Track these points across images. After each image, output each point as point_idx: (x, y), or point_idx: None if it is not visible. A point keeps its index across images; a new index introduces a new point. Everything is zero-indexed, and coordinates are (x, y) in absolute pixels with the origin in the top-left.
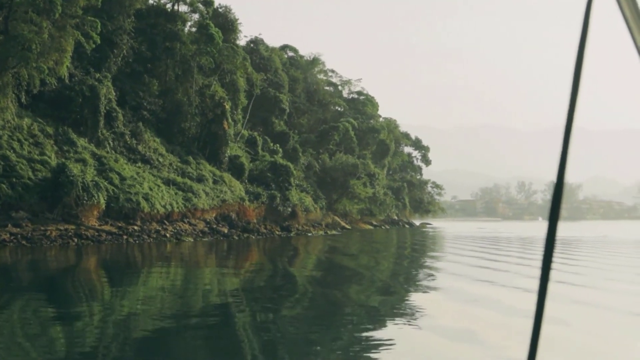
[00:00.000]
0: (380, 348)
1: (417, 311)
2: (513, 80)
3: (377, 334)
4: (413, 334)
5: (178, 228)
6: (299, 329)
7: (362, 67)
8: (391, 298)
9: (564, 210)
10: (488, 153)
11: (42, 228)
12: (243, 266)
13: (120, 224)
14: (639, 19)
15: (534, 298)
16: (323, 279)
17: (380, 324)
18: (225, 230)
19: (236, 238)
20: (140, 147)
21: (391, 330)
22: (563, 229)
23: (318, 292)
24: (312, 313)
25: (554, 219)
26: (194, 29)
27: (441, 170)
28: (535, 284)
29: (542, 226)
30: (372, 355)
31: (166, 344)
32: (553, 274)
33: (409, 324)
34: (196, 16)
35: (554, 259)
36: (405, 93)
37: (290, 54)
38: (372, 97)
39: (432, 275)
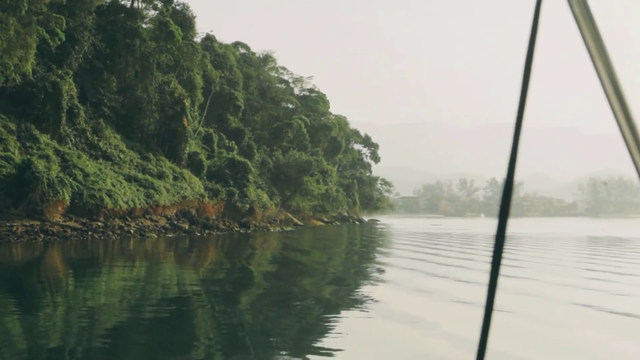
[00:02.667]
0: (334, 334)
1: (368, 301)
2: (452, 78)
3: (330, 322)
4: (365, 321)
5: (140, 224)
6: (256, 319)
7: (307, 65)
8: (343, 290)
9: None
10: (429, 150)
11: (8, 224)
12: (205, 261)
13: (84, 220)
14: (589, 17)
15: (480, 290)
16: (279, 273)
17: (333, 313)
18: (187, 227)
19: (198, 234)
20: (101, 144)
21: (344, 318)
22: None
23: (274, 285)
24: (268, 304)
25: (503, 215)
26: (152, 26)
27: (384, 167)
28: (480, 278)
29: (485, 223)
30: (327, 340)
31: (126, 335)
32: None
33: (361, 312)
34: (155, 13)
35: (504, 255)
36: (348, 90)
37: (243, 50)
38: (324, 95)
39: (382, 269)
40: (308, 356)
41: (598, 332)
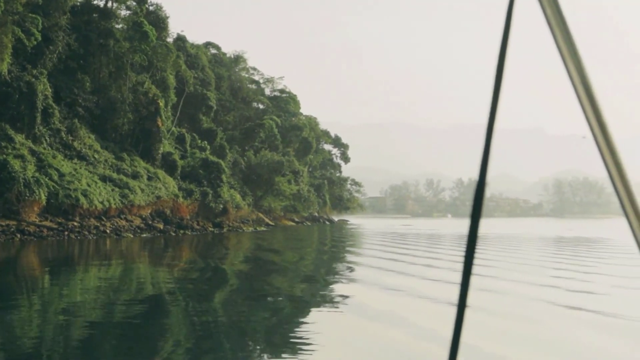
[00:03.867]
0: (306, 329)
1: (338, 298)
2: (417, 79)
3: (302, 319)
4: (336, 317)
5: (116, 224)
6: (229, 316)
7: (274, 65)
8: (314, 288)
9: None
10: (395, 150)
11: None
12: (180, 261)
13: (59, 220)
14: (560, 18)
15: (447, 287)
16: (252, 272)
17: (304, 310)
18: (161, 227)
19: (173, 234)
20: (75, 144)
21: (315, 314)
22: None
23: (247, 284)
24: (241, 302)
25: (476, 215)
26: (125, 27)
27: (350, 167)
28: (448, 276)
29: (453, 223)
30: (299, 335)
31: (99, 333)
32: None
33: (332, 309)
34: (128, 13)
35: (475, 255)
36: (313, 90)
37: (214, 51)
38: (295, 95)
39: (352, 268)
40: (280, 351)
41: (568, 328)
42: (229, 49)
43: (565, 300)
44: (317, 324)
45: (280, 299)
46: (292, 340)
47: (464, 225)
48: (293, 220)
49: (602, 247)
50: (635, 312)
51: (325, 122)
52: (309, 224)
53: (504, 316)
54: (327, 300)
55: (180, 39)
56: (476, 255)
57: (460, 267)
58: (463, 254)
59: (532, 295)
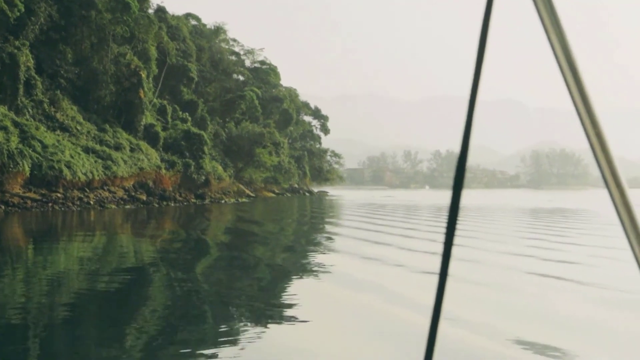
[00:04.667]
0: (287, 298)
1: (318, 268)
2: (394, 51)
3: (283, 287)
4: (317, 286)
5: (99, 195)
6: (211, 284)
7: (250, 37)
8: (294, 257)
9: (449, 179)
10: (373, 122)
11: None
12: (164, 232)
13: (43, 192)
14: None
15: (426, 257)
16: (234, 243)
17: (285, 279)
18: (144, 198)
19: (156, 205)
20: (58, 115)
21: (295, 283)
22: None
23: (228, 254)
24: (223, 271)
25: (458, 186)
26: None
27: (327, 139)
28: (426, 246)
29: (432, 194)
30: (280, 303)
31: (82, 303)
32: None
33: (312, 278)
34: None
35: (458, 226)
36: (289, 62)
37: (194, 22)
38: (275, 67)
39: (332, 238)
40: (262, 320)
41: (549, 297)
42: (207, 20)
43: (544, 269)
44: (296, 292)
45: (261, 268)
46: (272, 307)
47: (442, 196)
48: (273, 192)
49: (583, 218)
50: (607, 280)
51: (301, 94)
52: (289, 195)
53: (482, 285)
54: (307, 270)
55: (161, 10)
56: (458, 226)
57: (437, 237)
58: (445, 225)
59: (511, 265)
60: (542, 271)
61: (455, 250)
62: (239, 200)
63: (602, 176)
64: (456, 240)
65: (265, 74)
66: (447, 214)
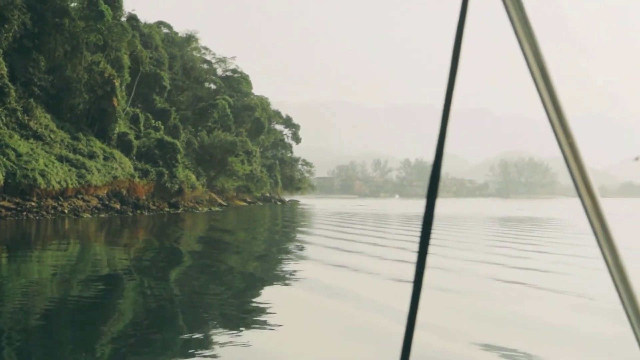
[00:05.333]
0: (259, 304)
1: (289, 275)
2: (362, 59)
3: (255, 294)
4: (290, 293)
5: (73, 204)
6: (184, 294)
7: (217, 44)
8: (266, 266)
9: (419, 189)
10: (342, 130)
11: None
12: (138, 241)
13: (17, 200)
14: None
15: (398, 265)
16: (207, 252)
17: (257, 286)
18: (118, 207)
19: (130, 214)
20: (32, 123)
21: (267, 290)
22: (422, 206)
23: (201, 263)
24: (196, 280)
25: (432, 195)
26: (80, 6)
27: (296, 147)
28: (400, 255)
29: (403, 203)
30: (252, 310)
31: (56, 310)
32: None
33: (283, 285)
34: None
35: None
36: (256, 69)
37: (165, 30)
38: (247, 75)
39: (302, 246)
40: (235, 325)
41: (521, 305)
42: (178, 28)
43: (516, 277)
44: (268, 299)
45: (233, 276)
46: (244, 315)
47: (412, 205)
48: (245, 201)
49: (554, 226)
50: (578, 288)
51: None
52: (261, 204)
53: (453, 292)
54: (279, 277)
55: (133, 18)
56: (436, 236)
57: (407, 245)
58: (419, 234)
59: (483, 272)
60: (513, 279)
61: (437, 260)
62: (212, 209)
63: (574, 185)
64: (441, 251)
65: (236, 82)
66: (422, 222)
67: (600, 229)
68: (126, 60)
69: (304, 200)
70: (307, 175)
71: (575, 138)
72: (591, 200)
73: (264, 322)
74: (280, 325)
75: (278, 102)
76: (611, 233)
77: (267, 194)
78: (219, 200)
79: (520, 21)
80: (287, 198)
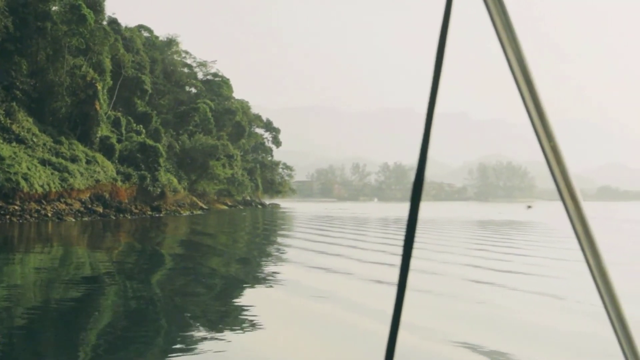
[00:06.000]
0: (241, 305)
1: (270, 277)
2: (340, 63)
3: (237, 296)
4: (272, 295)
5: (56, 208)
6: (168, 297)
7: (199, 49)
8: (248, 269)
9: (398, 192)
10: (321, 134)
11: None
12: (120, 244)
13: (0, 204)
14: (500, 5)
15: (375, 267)
16: (189, 255)
17: (239, 288)
18: (101, 210)
19: (113, 218)
20: (14, 127)
21: (249, 292)
22: (401, 209)
23: (183, 265)
24: (179, 283)
25: (416, 199)
26: (62, 10)
27: (276, 151)
28: (381, 258)
29: (380, 207)
30: (235, 311)
31: (39, 314)
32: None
33: (265, 287)
34: None
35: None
36: (237, 73)
37: (146, 34)
38: (228, 79)
39: (284, 250)
40: (218, 327)
41: (503, 306)
42: (159, 32)
43: (504, 281)
44: (250, 301)
45: (216, 279)
46: (227, 317)
47: (392, 209)
48: (226, 204)
49: (536, 230)
50: (563, 291)
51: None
52: (242, 207)
53: (432, 294)
54: (260, 279)
55: (114, 22)
56: (417, 239)
57: (387, 248)
58: (403, 236)
59: (471, 276)
60: (494, 280)
61: (425, 264)
62: (194, 212)
63: (557, 188)
64: (435, 256)
65: (217, 86)
66: (406, 225)
67: (583, 232)
68: (108, 64)
69: (284, 204)
70: (287, 178)
71: (557, 141)
72: (573, 204)
73: (244, 321)
74: (260, 325)
75: (256, 106)
76: (593, 236)
77: (248, 198)
78: (200, 204)
79: (503, 26)
80: (267, 201)
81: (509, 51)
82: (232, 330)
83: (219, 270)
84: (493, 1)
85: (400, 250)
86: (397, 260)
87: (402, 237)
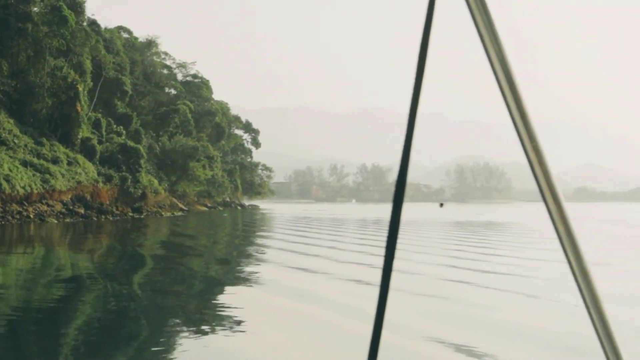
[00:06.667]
0: (223, 306)
1: (250, 277)
2: (316, 64)
3: (218, 296)
4: (255, 295)
5: (38, 209)
6: (149, 297)
7: (176, 50)
8: (228, 269)
9: (375, 193)
10: (298, 135)
11: None
12: (102, 246)
13: None
14: (483, 6)
15: (360, 269)
16: (169, 255)
17: (219, 288)
18: (83, 212)
19: (95, 219)
20: None
21: (229, 292)
22: (379, 210)
23: (165, 266)
24: (161, 283)
25: (398, 200)
26: (44, 11)
27: (254, 153)
28: (361, 259)
29: (358, 208)
30: (217, 311)
31: (20, 315)
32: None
33: (245, 287)
34: None
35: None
36: (213, 73)
37: (125, 35)
38: (207, 81)
39: (264, 250)
40: (199, 326)
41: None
42: (137, 34)
43: (488, 281)
44: (230, 301)
45: (196, 280)
46: (208, 317)
47: (371, 210)
48: (206, 206)
49: (519, 231)
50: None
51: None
52: (221, 209)
53: (408, 293)
54: (240, 279)
55: (94, 23)
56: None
57: (365, 249)
58: (386, 237)
59: (451, 276)
60: (471, 280)
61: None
62: (175, 214)
63: (539, 189)
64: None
65: (197, 87)
66: (389, 226)
67: (565, 233)
68: (88, 65)
69: (263, 205)
70: (266, 180)
71: (540, 142)
72: (555, 205)
73: (223, 319)
74: (241, 322)
75: (234, 107)
76: (575, 237)
77: (228, 199)
78: (180, 205)
79: (485, 27)
80: (246, 202)
81: (492, 52)
82: (211, 328)
83: (199, 270)
84: (476, 3)
85: (378, 251)
86: (375, 261)
87: (381, 238)
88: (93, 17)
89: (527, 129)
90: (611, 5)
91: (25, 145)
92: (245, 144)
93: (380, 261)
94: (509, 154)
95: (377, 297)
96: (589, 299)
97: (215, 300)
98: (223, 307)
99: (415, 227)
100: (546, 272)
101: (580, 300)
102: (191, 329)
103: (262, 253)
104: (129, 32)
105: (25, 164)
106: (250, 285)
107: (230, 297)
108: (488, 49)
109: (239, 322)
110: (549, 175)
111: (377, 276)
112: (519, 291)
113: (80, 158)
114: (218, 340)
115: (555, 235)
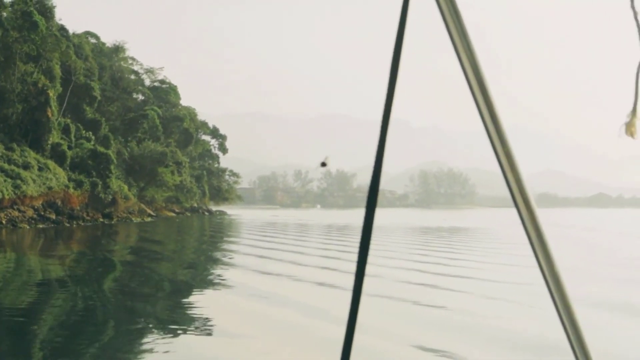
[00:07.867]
0: (192, 308)
1: (218, 280)
2: (278, 69)
3: (187, 299)
4: (222, 298)
5: (9, 215)
6: (119, 300)
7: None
8: (196, 273)
9: (340, 199)
10: (260, 141)
11: None
12: (73, 251)
13: None
14: (455, 12)
15: (319, 271)
16: (138, 261)
17: (189, 292)
18: (54, 217)
19: (67, 225)
20: None
21: (199, 295)
22: (344, 216)
23: (134, 271)
24: (131, 287)
25: (371, 206)
26: (14, 16)
27: (220, 157)
28: (326, 263)
29: (323, 214)
30: (186, 313)
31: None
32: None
33: (214, 290)
34: None
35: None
36: (177, 78)
37: (93, 40)
38: (175, 86)
39: (231, 255)
40: (170, 327)
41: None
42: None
43: (461, 286)
44: (200, 303)
45: (165, 283)
46: (177, 319)
47: (335, 216)
48: (174, 211)
49: (488, 237)
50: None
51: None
52: (189, 214)
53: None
54: (208, 284)
55: (62, 29)
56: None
57: (331, 253)
58: (359, 242)
59: (424, 281)
60: (437, 284)
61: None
62: (145, 219)
63: (510, 194)
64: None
65: (165, 93)
66: (361, 230)
67: (536, 238)
68: (58, 71)
69: (230, 211)
70: (233, 185)
71: (512, 149)
72: (527, 210)
73: (192, 320)
74: (208, 322)
75: (198, 113)
76: (547, 242)
77: (195, 205)
78: (149, 211)
79: (458, 33)
80: (213, 208)
81: (464, 58)
82: (180, 328)
83: (167, 275)
84: (448, 9)
85: (343, 256)
86: (340, 265)
87: (347, 244)
88: (60, 22)
89: (498, 134)
90: (577, 14)
91: None
92: (212, 150)
93: (346, 265)
94: (473, 159)
95: (350, 301)
96: (560, 302)
97: (182, 300)
98: (190, 307)
99: (381, 232)
100: (513, 276)
101: (551, 302)
102: (159, 327)
103: (230, 258)
104: (97, 37)
105: None
106: (218, 289)
107: (196, 299)
108: (460, 55)
109: (206, 320)
110: (520, 181)
111: (341, 279)
112: (482, 294)
113: (51, 164)
114: (186, 339)
115: (521, 241)
